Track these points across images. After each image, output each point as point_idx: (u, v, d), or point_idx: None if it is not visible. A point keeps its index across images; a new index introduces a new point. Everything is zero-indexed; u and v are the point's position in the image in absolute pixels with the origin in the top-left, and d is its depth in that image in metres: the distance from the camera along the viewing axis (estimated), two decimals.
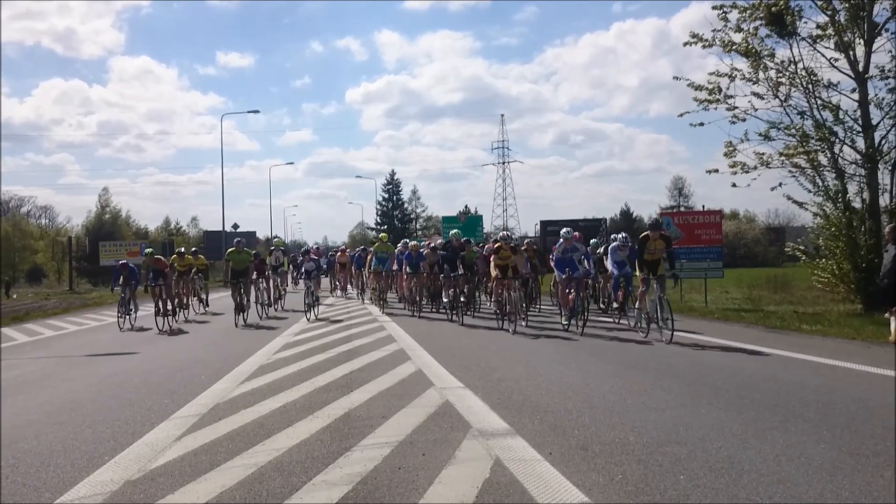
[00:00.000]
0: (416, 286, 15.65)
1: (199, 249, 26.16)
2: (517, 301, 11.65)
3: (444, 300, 14.48)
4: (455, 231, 16.09)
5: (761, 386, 6.49)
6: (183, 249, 17.89)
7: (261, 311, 15.96)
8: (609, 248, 11.99)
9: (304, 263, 15.94)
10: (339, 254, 25.76)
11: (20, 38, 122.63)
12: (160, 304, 14.41)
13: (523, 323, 11.95)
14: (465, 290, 14.24)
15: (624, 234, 11.78)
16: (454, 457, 4.42)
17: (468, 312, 14.22)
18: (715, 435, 4.79)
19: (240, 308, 14.47)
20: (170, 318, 14.60)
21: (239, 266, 15.16)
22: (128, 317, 14.75)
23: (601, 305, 14.49)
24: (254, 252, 16.98)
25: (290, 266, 23.19)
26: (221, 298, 20.88)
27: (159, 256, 15.83)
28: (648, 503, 3.59)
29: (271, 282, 18.38)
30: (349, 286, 24.08)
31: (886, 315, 9.96)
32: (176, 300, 15.80)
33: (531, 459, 4.32)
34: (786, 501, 3.56)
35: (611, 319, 12.78)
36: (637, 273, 10.66)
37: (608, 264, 12.06)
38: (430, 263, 16.04)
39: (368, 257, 18.91)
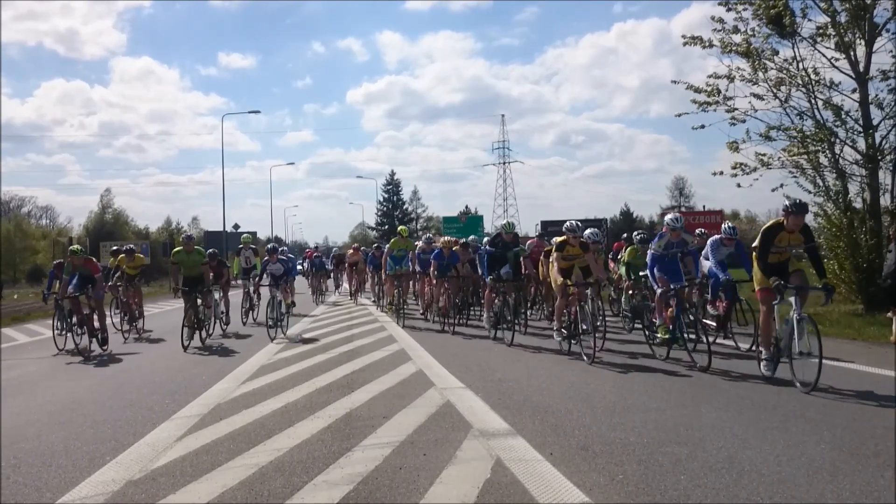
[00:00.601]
0: (449, 293, 12.17)
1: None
2: (592, 316, 8.51)
3: (488, 312, 11.03)
4: (506, 222, 11.94)
5: (761, 386, 6.49)
6: (133, 246, 14.51)
7: (211, 327, 12.08)
8: (708, 241, 9.04)
9: (269, 266, 12.56)
10: (350, 252, 22.54)
11: (22, 39, 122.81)
12: (90, 319, 10.79)
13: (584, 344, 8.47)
14: (513, 298, 10.64)
15: (731, 225, 8.92)
16: (455, 457, 4.42)
17: (518, 328, 10.53)
18: (715, 435, 4.79)
19: (198, 325, 11.08)
20: (99, 336, 10.80)
21: (191, 271, 11.78)
22: (70, 334, 10.99)
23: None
24: (209, 251, 13.35)
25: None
26: (163, 314, 17.92)
27: (90, 257, 11.85)
28: (649, 503, 3.60)
29: (247, 290, 15.17)
30: (360, 292, 20.89)
31: (888, 314, 9.95)
32: (126, 314, 13.07)
33: (532, 459, 4.33)
34: (786, 502, 3.56)
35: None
36: (754, 278, 7.13)
37: (706, 265, 9.04)
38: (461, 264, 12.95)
39: (384, 256, 15.56)
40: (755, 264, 6.99)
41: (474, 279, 13.79)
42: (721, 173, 15.02)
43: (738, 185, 14.60)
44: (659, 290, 8.24)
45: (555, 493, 3.72)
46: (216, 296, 12.97)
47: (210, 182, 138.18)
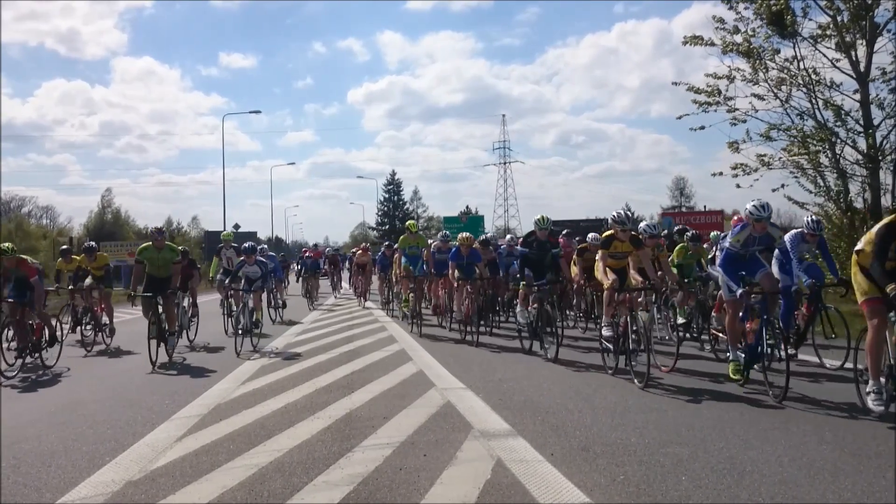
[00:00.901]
0: (472, 298, 10.46)
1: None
2: (648, 328, 7.08)
3: (521, 319, 9.42)
4: (540, 217, 9.44)
5: (762, 386, 6.47)
6: (94, 244, 12.19)
7: (176, 337, 9.87)
8: (787, 237, 7.42)
9: (245, 267, 11.00)
10: (358, 252, 20.71)
11: (23, 39, 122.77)
12: (36, 330, 9.15)
13: (662, 366, 7.24)
14: (550, 303, 8.70)
15: (815, 218, 7.57)
16: (455, 457, 4.42)
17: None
18: (717, 436, 4.79)
19: (159, 337, 9.10)
20: (44, 352, 9.18)
21: (158, 271, 9.63)
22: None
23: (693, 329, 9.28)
24: (181, 249, 11.00)
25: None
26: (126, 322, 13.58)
27: (24, 257, 9.65)
28: None
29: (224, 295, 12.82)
30: (365, 296, 18.66)
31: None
32: (91, 322, 11.34)
33: (532, 460, 4.32)
34: (787, 502, 3.55)
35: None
36: (856, 288, 5.55)
37: (780, 268, 7.55)
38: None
39: (396, 256, 13.89)
40: (855, 271, 5.52)
41: (494, 282, 12.06)
42: (721, 174, 15.07)
43: (738, 186, 14.62)
44: (740, 291, 6.24)
45: (555, 494, 3.71)
46: (185, 302, 11.25)
47: (211, 182, 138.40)
